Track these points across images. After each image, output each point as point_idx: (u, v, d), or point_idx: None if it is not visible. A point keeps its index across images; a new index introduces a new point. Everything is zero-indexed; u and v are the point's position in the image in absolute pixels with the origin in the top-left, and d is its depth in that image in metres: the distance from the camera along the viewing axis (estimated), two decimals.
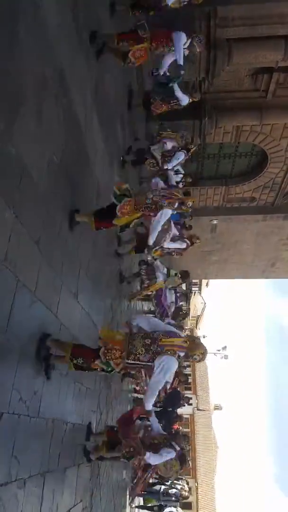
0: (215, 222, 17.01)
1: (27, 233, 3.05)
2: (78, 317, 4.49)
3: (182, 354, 3.48)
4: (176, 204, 4.74)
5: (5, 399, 2.70)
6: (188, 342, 3.51)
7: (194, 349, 3.52)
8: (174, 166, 7.83)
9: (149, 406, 3.70)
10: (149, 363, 3.40)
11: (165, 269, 7.88)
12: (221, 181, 15.89)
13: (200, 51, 6.30)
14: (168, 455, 3.86)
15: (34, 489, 3.13)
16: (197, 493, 31.09)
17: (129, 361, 3.40)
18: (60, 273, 3.84)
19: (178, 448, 4.01)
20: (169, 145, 7.94)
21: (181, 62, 5.86)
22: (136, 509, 9.79)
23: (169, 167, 7.62)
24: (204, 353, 3.58)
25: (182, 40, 5.65)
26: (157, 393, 3.71)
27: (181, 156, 7.91)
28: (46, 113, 3.46)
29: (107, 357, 3.41)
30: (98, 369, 3.52)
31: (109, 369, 3.47)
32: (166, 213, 4.69)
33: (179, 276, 8.07)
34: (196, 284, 38.36)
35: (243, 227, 17.65)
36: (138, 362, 3.40)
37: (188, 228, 8.83)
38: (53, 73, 3.66)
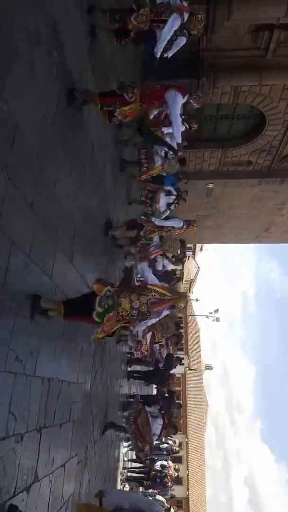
0: (210, 186, 16.84)
1: (20, 195, 3.00)
2: (73, 280, 4.52)
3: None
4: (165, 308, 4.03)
5: (2, 359, 2.76)
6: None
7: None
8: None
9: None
10: None
11: (164, 152, 7.74)
12: (218, 143, 15.59)
13: (198, 107, 5.63)
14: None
15: (30, 443, 3.26)
16: (187, 448, 32.76)
17: None
18: (55, 236, 3.82)
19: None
20: None
21: (179, 139, 5.35)
22: (129, 463, 10.31)
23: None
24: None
25: (178, 103, 4.84)
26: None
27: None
28: (39, 69, 3.30)
29: None
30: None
31: None
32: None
33: (177, 160, 7.96)
34: (190, 249, 38.58)
35: (238, 192, 17.52)
36: None
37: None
38: (45, 28, 3.47)
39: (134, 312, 3.72)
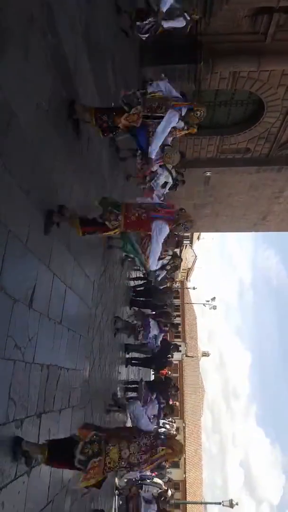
0: (208, 174, 16.77)
1: (16, 183, 2.98)
2: (70, 269, 4.53)
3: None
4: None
5: (1, 346, 2.78)
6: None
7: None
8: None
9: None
10: None
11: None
12: (216, 130, 15.47)
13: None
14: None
15: (31, 428, 3.31)
16: (184, 432, 33.29)
17: None
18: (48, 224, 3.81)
19: None
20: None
21: (153, 266, 4.69)
22: None
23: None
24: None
25: (163, 234, 4.25)
26: None
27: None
28: (33, 55, 3.26)
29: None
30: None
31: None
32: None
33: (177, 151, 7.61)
34: (188, 238, 38.59)
35: (236, 180, 17.46)
36: None
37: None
38: (40, 10, 3.40)
39: (122, 463, 3.40)
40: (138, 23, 7.11)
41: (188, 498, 30.78)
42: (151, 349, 9.54)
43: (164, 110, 4.65)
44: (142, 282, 11.34)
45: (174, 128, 5.02)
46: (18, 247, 3.06)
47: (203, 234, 41.72)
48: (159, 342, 9.36)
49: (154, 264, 4.58)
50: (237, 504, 17.77)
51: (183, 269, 44.05)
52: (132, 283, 10.90)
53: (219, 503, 18.03)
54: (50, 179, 3.77)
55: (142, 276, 11.20)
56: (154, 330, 9.03)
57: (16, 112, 2.93)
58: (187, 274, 47.34)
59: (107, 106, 4.78)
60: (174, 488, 28.01)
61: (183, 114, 4.83)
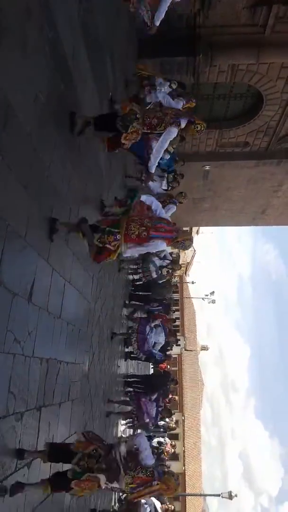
0: (207, 168, 16.72)
1: (15, 177, 2.98)
2: (69, 263, 4.53)
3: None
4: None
5: (0, 340, 2.79)
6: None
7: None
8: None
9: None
10: None
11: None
12: (215, 124, 15.39)
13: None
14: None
15: (30, 421, 3.34)
16: (183, 426, 33.48)
17: None
18: (50, 218, 3.81)
19: None
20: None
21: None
22: (128, 430, 10.54)
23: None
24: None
25: (159, 248, 4.46)
26: None
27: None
28: (31, 47, 3.23)
29: None
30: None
31: None
32: None
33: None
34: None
35: (235, 174, 17.42)
36: None
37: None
38: (38, 1, 3.38)
39: (115, 488, 3.44)
40: None
41: (188, 491, 31.05)
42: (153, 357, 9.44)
43: (163, 127, 4.66)
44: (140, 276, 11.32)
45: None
46: (17, 241, 3.06)
47: (202, 229, 41.68)
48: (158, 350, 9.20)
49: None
50: (236, 496, 17.92)
51: (182, 264, 44.05)
52: (131, 278, 10.91)
53: (218, 495, 18.19)
54: (49, 173, 3.76)
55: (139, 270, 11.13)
56: (154, 338, 8.88)
57: (13, 105, 2.92)
58: (186, 268, 47.36)
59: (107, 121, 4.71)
60: None
61: (182, 126, 4.79)
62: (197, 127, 4.91)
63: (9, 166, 2.86)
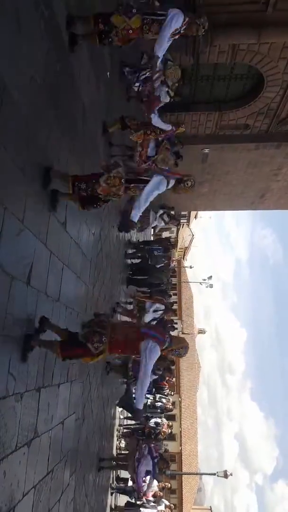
0: (206, 151, 16.57)
1: (11, 159, 2.94)
2: (66, 246, 4.52)
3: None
4: None
5: (0, 323, 2.81)
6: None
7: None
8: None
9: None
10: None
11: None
12: (215, 106, 15.19)
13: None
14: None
15: (30, 402, 3.39)
16: (180, 407, 34.06)
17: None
18: (48, 202, 3.78)
19: None
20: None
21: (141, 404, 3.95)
22: (125, 420, 10.73)
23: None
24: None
25: (153, 358, 3.71)
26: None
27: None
28: (25, 25, 3.15)
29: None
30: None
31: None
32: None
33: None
34: (185, 216, 38.43)
35: (234, 157, 17.28)
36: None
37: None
38: None
39: None
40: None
41: (184, 470, 31.78)
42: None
43: (150, 174, 4.30)
44: (138, 261, 11.32)
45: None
46: (15, 224, 3.05)
47: (200, 213, 41.57)
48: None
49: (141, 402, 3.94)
50: (231, 474, 18.34)
51: (180, 248, 44.12)
52: (129, 262, 10.92)
53: (214, 474, 18.61)
54: (45, 155, 3.72)
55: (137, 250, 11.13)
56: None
57: (9, 86, 2.86)
58: (184, 253, 47.43)
59: (86, 174, 4.27)
60: (170, 460, 28.92)
61: (169, 186, 4.43)
62: (188, 184, 4.57)
63: (5, 148, 2.82)
